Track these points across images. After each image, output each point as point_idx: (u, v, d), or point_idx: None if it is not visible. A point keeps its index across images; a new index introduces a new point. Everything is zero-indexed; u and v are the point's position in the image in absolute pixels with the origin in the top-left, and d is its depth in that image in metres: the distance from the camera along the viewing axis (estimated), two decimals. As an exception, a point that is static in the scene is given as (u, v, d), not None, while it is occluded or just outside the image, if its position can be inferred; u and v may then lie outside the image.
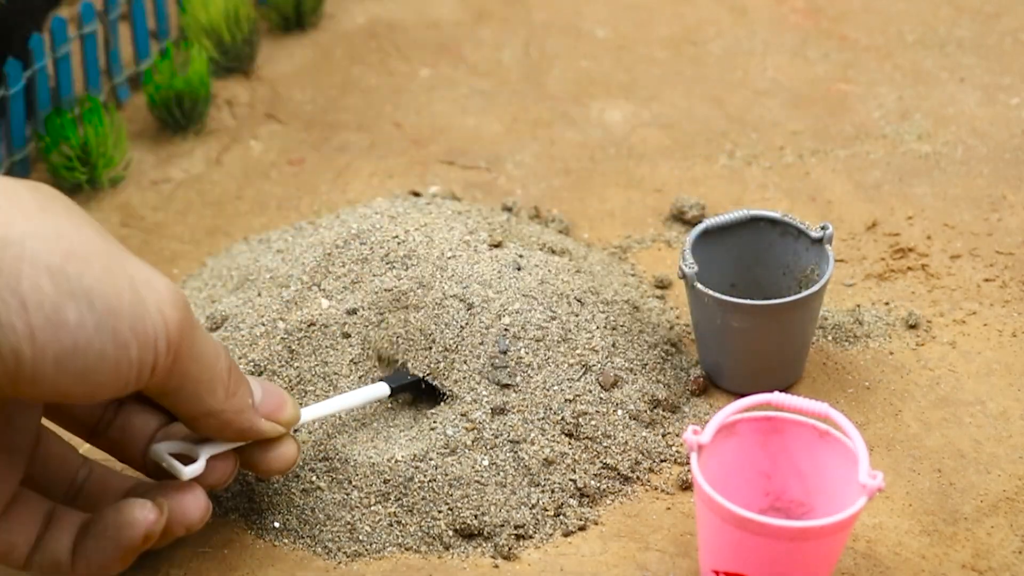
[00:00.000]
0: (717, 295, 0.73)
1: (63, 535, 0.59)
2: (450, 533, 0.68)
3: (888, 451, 0.73)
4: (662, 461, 0.72)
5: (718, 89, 1.05)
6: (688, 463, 0.71)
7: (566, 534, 0.69)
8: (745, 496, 0.65)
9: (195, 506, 0.61)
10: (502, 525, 0.68)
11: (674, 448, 0.72)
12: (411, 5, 1.15)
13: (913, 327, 0.81)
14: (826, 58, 1.08)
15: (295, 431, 0.67)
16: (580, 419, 0.71)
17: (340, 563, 0.67)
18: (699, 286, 0.73)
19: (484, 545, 0.68)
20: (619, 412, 0.72)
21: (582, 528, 0.69)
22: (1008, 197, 0.92)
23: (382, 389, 0.71)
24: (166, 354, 0.54)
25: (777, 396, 0.64)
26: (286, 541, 0.69)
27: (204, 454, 0.62)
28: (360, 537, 0.68)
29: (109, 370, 0.52)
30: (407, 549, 0.68)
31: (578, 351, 0.74)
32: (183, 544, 0.68)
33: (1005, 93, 1.03)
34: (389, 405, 0.74)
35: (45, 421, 0.62)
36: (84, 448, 0.67)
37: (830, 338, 0.80)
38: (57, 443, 0.63)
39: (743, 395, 0.66)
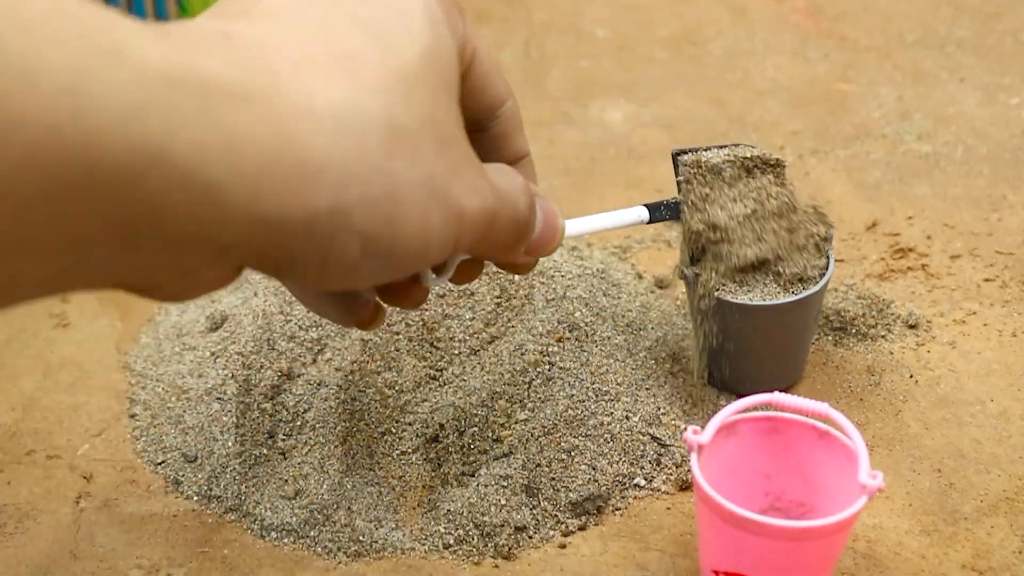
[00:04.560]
0: (717, 295, 0.73)
1: None
2: (451, 533, 0.68)
3: (888, 451, 0.73)
4: (662, 461, 0.72)
5: (718, 89, 1.05)
6: (688, 463, 0.71)
7: (566, 534, 0.69)
8: (745, 496, 0.65)
9: (413, 298, 0.56)
10: (502, 525, 0.68)
11: (674, 448, 0.72)
12: (411, 5, 1.15)
13: (913, 327, 0.81)
14: (826, 58, 1.08)
15: None
16: (581, 418, 0.72)
17: (340, 563, 0.68)
18: (699, 287, 0.73)
19: (484, 545, 0.68)
20: (620, 412, 0.72)
21: (582, 528, 0.69)
22: (1008, 197, 0.92)
23: (641, 213, 0.69)
24: (451, 254, 0.51)
25: (777, 396, 0.64)
26: (286, 541, 0.69)
27: (455, 262, 0.58)
28: (360, 537, 0.68)
29: (377, 284, 0.50)
30: (407, 549, 0.68)
31: (581, 351, 0.74)
32: (183, 544, 0.69)
33: (1005, 93, 1.03)
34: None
35: None
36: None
37: (830, 338, 0.80)
38: None
39: (743, 395, 0.66)
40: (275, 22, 0.44)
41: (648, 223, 0.70)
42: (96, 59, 0.36)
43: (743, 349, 0.74)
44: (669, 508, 0.70)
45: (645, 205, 0.70)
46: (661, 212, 0.71)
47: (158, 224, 0.38)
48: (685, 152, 0.72)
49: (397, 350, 0.74)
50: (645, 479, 0.71)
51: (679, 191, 0.72)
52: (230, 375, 0.75)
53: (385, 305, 0.56)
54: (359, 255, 0.45)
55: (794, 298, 0.72)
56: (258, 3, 0.45)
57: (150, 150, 0.37)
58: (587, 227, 0.66)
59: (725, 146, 0.73)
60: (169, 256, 0.40)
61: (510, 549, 0.68)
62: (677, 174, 0.72)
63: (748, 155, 0.72)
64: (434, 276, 0.57)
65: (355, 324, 0.56)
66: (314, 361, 0.74)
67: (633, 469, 0.71)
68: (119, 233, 0.38)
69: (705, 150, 0.72)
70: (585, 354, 0.74)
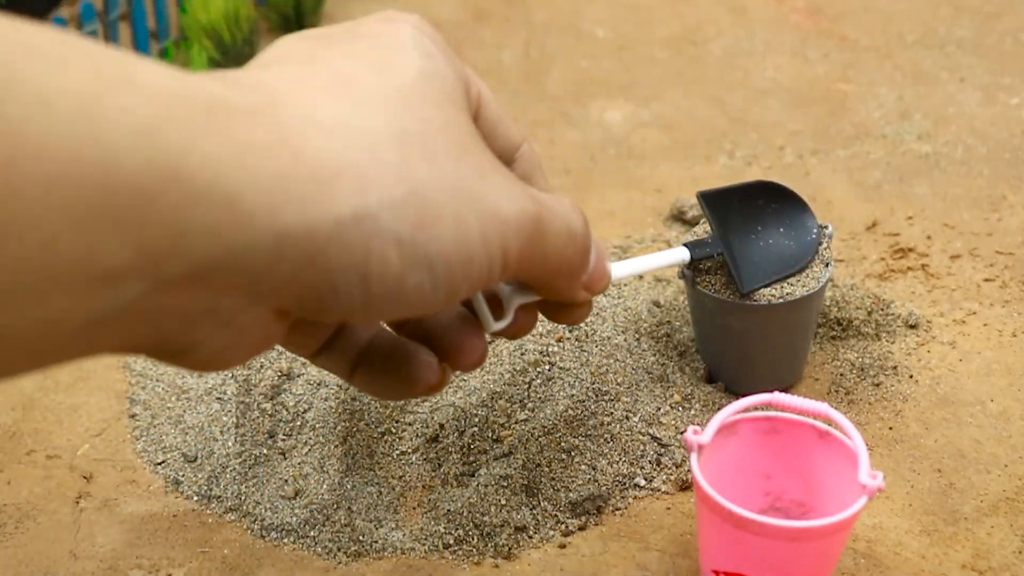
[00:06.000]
0: (717, 295, 0.73)
1: (342, 357, 0.56)
2: (451, 533, 0.68)
3: (888, 451, 0.73)
4: (662, 461, 0.72)
5: (718, 89, 1.05)
6: (688, 463, 0.71)
7: (566, 534, 0.69)
8: (745, 496, 0.65)
9: (473, 352, 0.56)
10: (502, 525, 0.68)
11: (674, 448, 0.72)
12: (411, 5, 1.15)
13: (913, 327, 0.81)
14: (826, 58, 1.08)
15: None
16: (581, 418, 0.72)
17: (340, 563, 0.67)
18: (699, 287, 0.73)
19: (484, 545, 0.68)
20: (620, 412, 0.72)
21: (582, 528, 0.69)
22: (1008, 197, 0.92)
23: (682, 253, 0.71)
24: (500, 276, 0.50)
25: (777, 396, 0.64)
26: (286, 541, 0.69)
27: (514, 304, 0.57)
28: (360, 537, 0.68)
29: (431, 308, 0.49)
30: (407, 549, 0.68)
31: (581, 351, 0.74)
32: (183, 544, 0.69)
33: (1005, 93, 1.03)
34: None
35: None
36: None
37: (830, 338, 0.80)
38: None
39: (743, 395, 0.66)
40: (270, 68, 0.46)
41: (690, 263, 0.71)
42: (107, 83, 0.37)
43: (743, 349, 0.74)
44: (669, 508, 0.70)
45: (685, 244, 0.71)
46: (704, 249, 0.72)
47: (184, 245, 0.38)
48: (710, 193, 0.74)
49: (397, 350, 0.74)
50: (645, 479, 0.71)
51: (711, 229, 0.73)
52: (230, 375, 0.75)
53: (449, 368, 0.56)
54: (399, 263, 0.45)
55: (794, 298, 0.72)
56: (252, 64, 0.47)
57: (167, 168, 0.37)
58: (631, 269, 0.65)
59: (748, 183, 0.74)
60: (201, 295, 0.40)
61: (510, 549, 0.68)
62: (705, 213, 0.74)
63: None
64: (493, 320, 0.56)
65: (423, 391, 0.55)
66: (314, 361, 0.74)
67: (633, 469, 0.71)
68: (147, 261, 0.38)
69: (730, 189, 0.74)
70: (585, 354, 0.74)
